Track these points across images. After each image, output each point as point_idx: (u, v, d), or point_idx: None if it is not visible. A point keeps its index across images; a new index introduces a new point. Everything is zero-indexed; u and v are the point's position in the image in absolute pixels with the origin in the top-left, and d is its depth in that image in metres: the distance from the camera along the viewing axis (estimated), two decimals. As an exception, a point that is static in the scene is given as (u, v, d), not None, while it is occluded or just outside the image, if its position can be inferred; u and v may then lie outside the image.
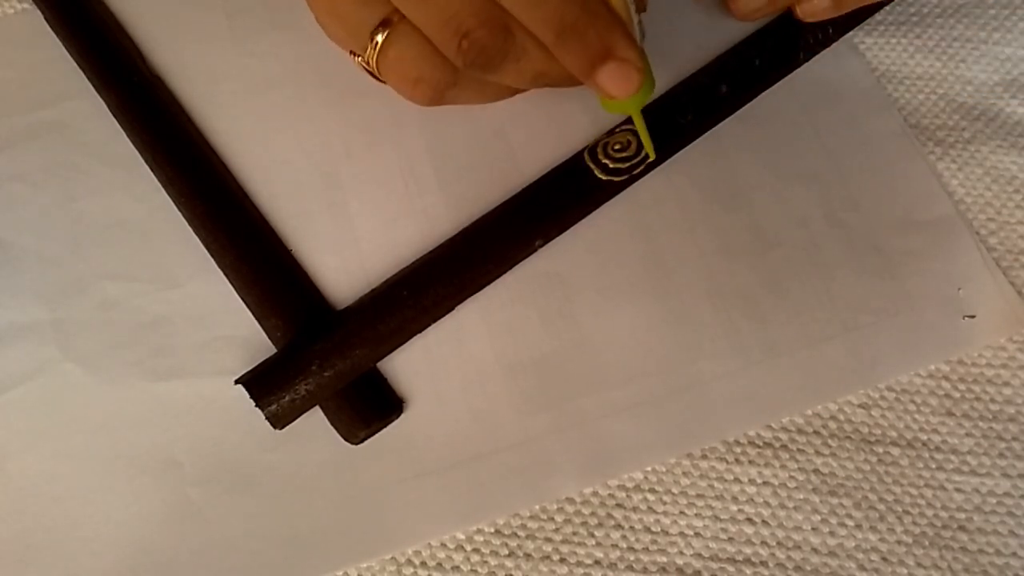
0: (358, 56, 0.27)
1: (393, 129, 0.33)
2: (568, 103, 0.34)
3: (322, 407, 0.29)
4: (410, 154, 0.33)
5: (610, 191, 0.32)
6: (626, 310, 0.30)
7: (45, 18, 0.35)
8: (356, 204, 0.32)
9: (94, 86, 0.34)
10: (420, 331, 0.30)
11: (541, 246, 0.31)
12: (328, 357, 0.29)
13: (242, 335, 0.30)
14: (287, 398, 0.28)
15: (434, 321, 0.30)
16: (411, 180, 0.32)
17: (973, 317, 0.30)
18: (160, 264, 0.31)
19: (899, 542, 0.27)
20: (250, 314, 0.30)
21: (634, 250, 0.31)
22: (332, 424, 0.29)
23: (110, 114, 0.33)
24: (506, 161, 0.33)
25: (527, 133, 0.33)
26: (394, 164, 0.33)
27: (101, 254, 0.31)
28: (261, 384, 0.28)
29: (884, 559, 0.27)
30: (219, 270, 0.31)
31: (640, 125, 0.29)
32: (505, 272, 0.31)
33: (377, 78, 0.28)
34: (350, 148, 0.33)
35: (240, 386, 0.28)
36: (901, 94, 0.34)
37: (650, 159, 0.31)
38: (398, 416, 0.29)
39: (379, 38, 0.25)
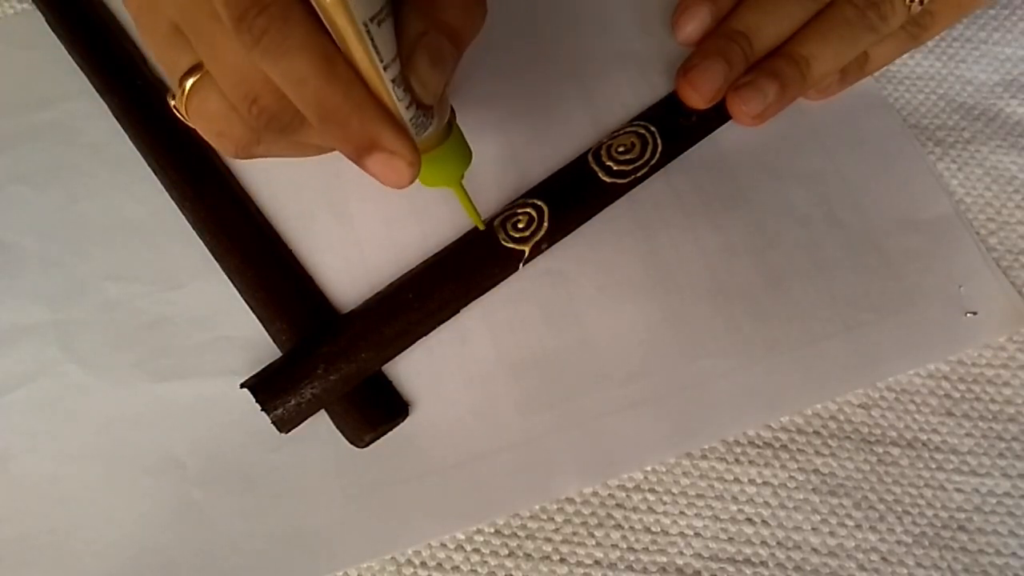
0: (172, 99, 0.25)
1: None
2: (569, 104, 0.34)
3: (328, 411, 0.29)
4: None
5: (614, 193, 0.32)
6: (627, 309, 0.30)
7: (45, 19, 0.35)
8: (357, 204, 0.32)
9: (96, 89, 0.34)
10: (425, 334, 0.30)
11: (546, 248, 0.31)
12: (334, 361, 0.29)
13: (244, 335, 0.30)
14: (293, 402, 0.28)
15: (439, 324, 0.30)
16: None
17: (975, 314, 0.30)
18: (162, 265, 0.31)
19: (899, 542, 0.27)
20: (252, 314, 0.30)
21: (636, 249, 0.31)
22: (338, 428, 0.29)
23: (111, 115, 0.34)
24: (508, 162, 0.33)
25: (529, 134, 0.33)
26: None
27: (102, 255, 0.32)
28: (266, 388, 0.28)
29: (884, 559, 0.27)
30: (221, 270, 0.31)
31: (464, 201, 0.28)
32: (510, 275, 0.31)
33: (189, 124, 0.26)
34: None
35: (243, 387, 0.28)
36: (901, 94, 0.34)
37: (480, 229, 0.30)
38: (404, 419, 0.29)
39: (187, 84, 0.23)
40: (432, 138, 0.24)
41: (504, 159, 0.33)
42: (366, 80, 0.21)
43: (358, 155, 0.22)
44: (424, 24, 0.21)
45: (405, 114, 0.22)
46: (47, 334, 0.30)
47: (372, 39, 0.19)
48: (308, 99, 0.20)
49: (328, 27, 0.19)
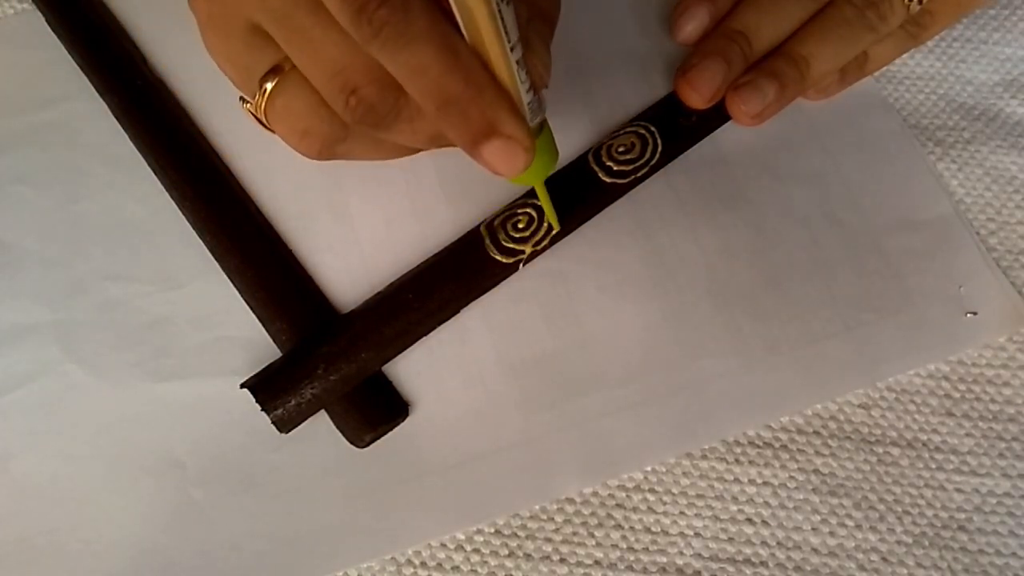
0: (248, 103, 0.26)
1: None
2: (570, 104, 0.34)
3: (328, 411, 0.29)
4: (411, 153, 0.33)
5: (614, 193, 0.32)
6: (627, 309, 0.30)
7: (45, 19, 0.35)
8: (357, 204, 0.32)
9: (96, 89, 0.34)
10: (425, 334, 0.30)
11: (547, 248, 0.31)
12: (334, 361, 0.29)
13: (244, 335, 0.30)
14: (293, 402, 0.28)
15: (439, 324, 0.30)
16: (412, 179, 0.32)
17: (975, 314, 0.30)
18: (162, 265, 0.31)
19: (899, 542, 0.27)
20: (252, 314, 0.30)
21: (636, 249, 0.31)
22: (338, 428, 0.29)
23: (111, 115, 0.34)
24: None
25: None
26: (394, 163, 0.32)
27: (102, 255, 0.32)
28: (267, 389, 0.28)
29: (884, 559, 0.27)
30: (221, 270, 0.31)
31: (544, 198, 0.28)
32: (510, 275, 0.31)
33: (267, 127, 0.26)
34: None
35: (243, 388, 0.28)
36: (901, 94, 0.34)
37: (554, 231, 0.30)
38: (404, 419, 0.29)
39: (268, 85, 0.24)
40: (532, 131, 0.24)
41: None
42: (491, 64, 0.21)
43: (474, 143, 0.22)
44: (526, 10, 0.21)
45: (524, 98, 0.22)
46: (47, 334, 0.30)
47: (503, 19, 0.19)
48: (428, 88, 0.21)
49: (456, 10, 0.19)
